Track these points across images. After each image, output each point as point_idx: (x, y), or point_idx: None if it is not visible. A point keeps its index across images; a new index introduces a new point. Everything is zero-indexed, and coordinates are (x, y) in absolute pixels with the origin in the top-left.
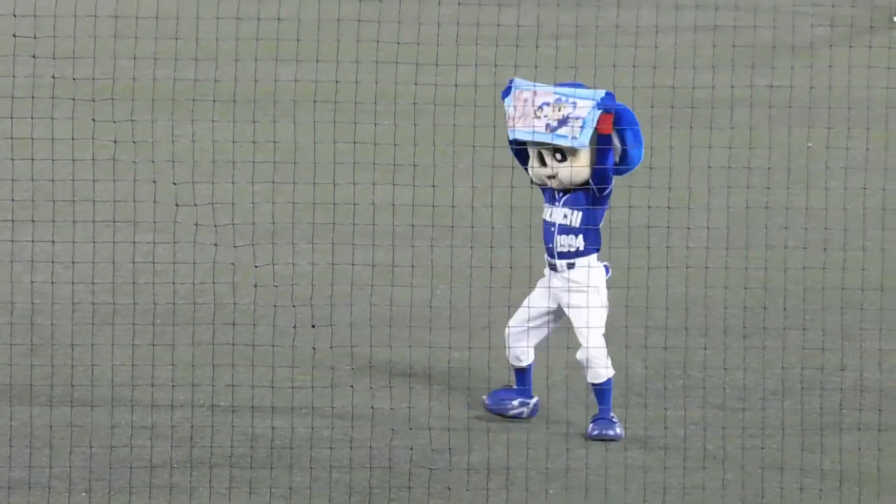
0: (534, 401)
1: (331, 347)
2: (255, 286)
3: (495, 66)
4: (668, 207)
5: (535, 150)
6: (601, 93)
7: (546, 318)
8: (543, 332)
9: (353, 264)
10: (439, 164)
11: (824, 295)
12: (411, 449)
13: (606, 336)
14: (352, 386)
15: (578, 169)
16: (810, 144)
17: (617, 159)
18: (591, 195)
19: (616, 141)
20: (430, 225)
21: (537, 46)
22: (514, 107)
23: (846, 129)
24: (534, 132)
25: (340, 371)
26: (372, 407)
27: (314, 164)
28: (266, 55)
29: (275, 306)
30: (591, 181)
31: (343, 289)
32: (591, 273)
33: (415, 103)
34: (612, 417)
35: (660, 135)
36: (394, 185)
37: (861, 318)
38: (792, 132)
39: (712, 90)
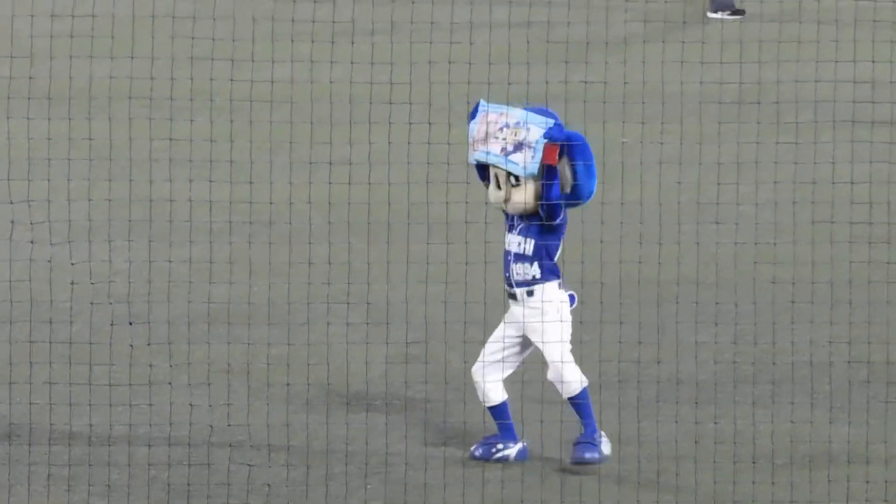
0: (519, 445)
1: (148, 345)
2: (72, 283)
3: (311, 62)
4: (486, 203)
5: (493, 173)
6: (550, 121)
7: (511, 351)
8: (511, 367)
9: (170, 261)
10: (256, 160)
11: (640, 289)
12: (230, 446)
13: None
14: (170, 383)
15: (530, 196)
16: (625, 139)
17: (567, 190)
18: (542, 225)
19: (567, 173)
20: (248, 221)
21: (353, 43)
22: (480, 129)
23: (660, 123)
24: (488, 153)
25: (158, 368)
26: (190, 404)
27: (130, 160)
28: (80, 52)
29: (91, 303)
30: (539, 210)
31: (160, 286)
32: (547, 291)
33: (231, 100)
34: (595, 438)
35: None
36: (210, 181)
37: (676, 311)
38: (607, 127)
39: (527, 86)
